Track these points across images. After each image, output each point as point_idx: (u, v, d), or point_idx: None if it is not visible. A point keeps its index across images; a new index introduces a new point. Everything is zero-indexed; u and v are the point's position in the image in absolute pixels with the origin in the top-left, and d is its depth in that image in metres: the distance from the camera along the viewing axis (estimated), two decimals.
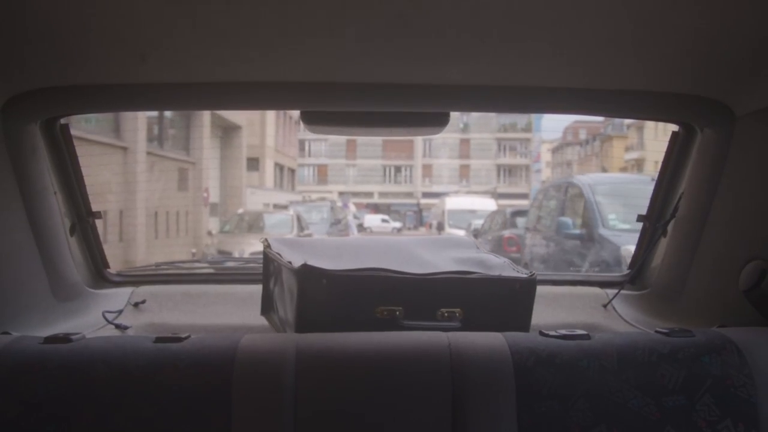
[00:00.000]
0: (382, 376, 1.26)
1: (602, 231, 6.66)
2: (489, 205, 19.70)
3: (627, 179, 10.56)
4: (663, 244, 1.82)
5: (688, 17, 1.17)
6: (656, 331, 1.38)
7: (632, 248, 6.04)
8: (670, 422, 1.24)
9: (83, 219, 1.81)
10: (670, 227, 1.79)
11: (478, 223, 14.26)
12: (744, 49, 1.28)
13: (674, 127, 1.77)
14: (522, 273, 1.59)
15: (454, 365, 1.26)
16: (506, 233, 10.66)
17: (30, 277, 1.56)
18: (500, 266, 1.66)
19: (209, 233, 15.26)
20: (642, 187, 6.84)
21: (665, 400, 1.25)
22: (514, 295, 1.55)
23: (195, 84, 1.48)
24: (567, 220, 7.46)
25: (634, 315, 1.82)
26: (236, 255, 11.24)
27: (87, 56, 1.33)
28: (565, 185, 8.22)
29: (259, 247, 1.80)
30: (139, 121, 12.66)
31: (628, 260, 5.84)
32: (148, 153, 13.25)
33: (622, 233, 6.42)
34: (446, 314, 1.51)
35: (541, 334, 1.36)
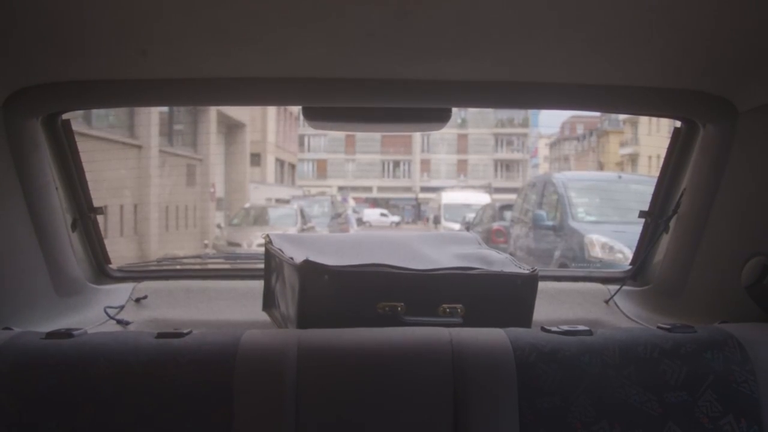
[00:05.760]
0: (384, 372, 1.26)
1: (571, 223, 7.45)
2: (483, 199, 19.93)
3: (596, 177, 11.74)
4: (665, 240, 1.82)
5: (690, 13, 1.16)
6: (658, 327, 1.38)
7: (594, 237, 6.33)
8: (671, 418, 1.24)
9: (85, 214, 1.81)
10: (672, 223, 1.79)
11: (471, 216, 14.80)
12: (746, 45, 1.27)
13: (676, 123, 1.76)
14: (524, 269, 1.59)
15: (456, 361, 1.26)
16: (495, 225, 11.26)
17: (32, 273, 1.56)
18: (502, 262, 1.66)
19: (218, 226, 15.74)
20: (607, 185, 8.06)
21: (667, 395, 1.26)
22: (515, 291, 1.56)
23: (196, 79, 1.48)
24: (542, 213, 8.17)
25: (635, 311, 1.82)
26: (245, 245, 12.17)
27: (88, 52, 1.33)
28: (544, 182, 8.96)
29: None
30: (152, 120, 12.83)
31: (590, 247, 6.14)
32: (160, 150, 13.44)
33: (588, 225, 7.35)
34: (448, 310, 1.51)
35: (543, 329, 1.36)
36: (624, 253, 6.25)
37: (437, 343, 1.29)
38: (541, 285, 1.63)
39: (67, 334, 1.30)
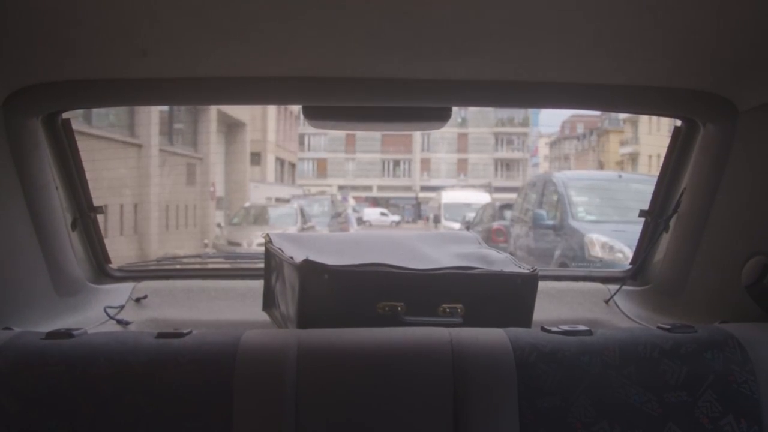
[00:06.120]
0: (384, 372, 1.26)
1: (571, 222, 7.46)
2: (483, 198, 19.97)
3: (596, 176, 11.80)
4: (665, 239, 1.82)
5: (691, 12, 1.16)
6: (658, 327, 1.38)
7: (594, 236, 6.26)
8: (671, 418, 1.24)
9: (85, 214, 1.81)
10: (672, 222, 1.79)
11: (471, 215, 14.87)
12: (747, 45, 1.27)
13: (677, 122, 1.76)
14: (524, 269, 1.59)
15: (456, 361, 1.26)
16: (495, 225, 11.26)
17: (32, 273, 1.56)
18: (502, 261, 1.66)
19: (218, 225, 15.78)
20: (607, 184, 8.06)
21: (667, 395, 1.26)
22: (515, 291, 1.55)
23: (196, 79, 1.48)
24: (542, 212, 8.17)
25: (636, 311, 1.82)
26: (245, 245, 12.21)
27: (88, 51, 1.33)
28: (544, 181, 8.96)
29: None
30: (152, 119, 12.87)
31: (590, 246, 6.21)
32: (160, 149, 13.48)
33: (588, 224, 7.35)
34: (448, 310, 1.51)
35: (543, 329, 1.36)
36: (624, 253, 6.25)
37: (437, 343, 1.29)
38: (541, 285, 1.63)
39: (67, 334, 1.30)
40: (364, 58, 1.39)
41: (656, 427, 1.24)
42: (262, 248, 1.78)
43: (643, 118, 18.36)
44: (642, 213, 1.91)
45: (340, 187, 36.97)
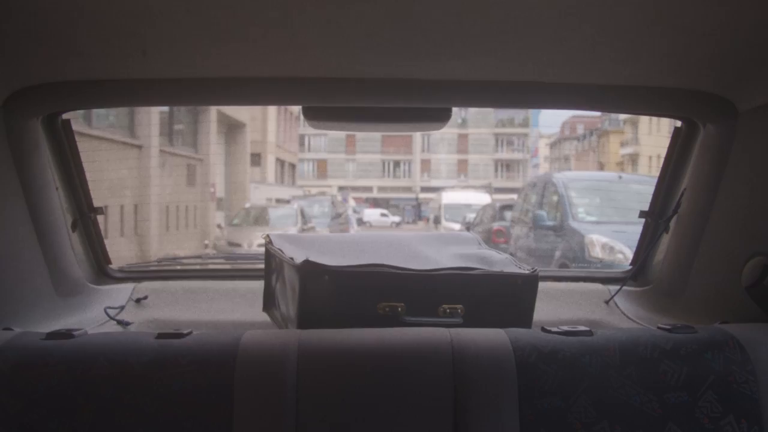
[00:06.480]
0: (384, 373, 1.26)
1: (572, 223, 7.48)
2: (484, 199, 19.95)
3: (597, 177, 11.82)
4: (665, 240, 1.82)
5: (691, 12, 1.16)
6: (658, 328, 1.38)
7: (595, 237, 6.29)
8: (672, 418, 1.24)
9: (85, 215, 1.81)
10: (672, 223, 1.79)
11: (472, 216, 14.85)
12: (747, 45, 1.27)
13: (677, 123, 1.76)
14: (524, 269, 1.59)
15: (456, 361, 1.26)
16: (495, 225, 11.29)
17: (32, 273, 1.56)
18: (502, 262, 1.66)
19: (219, 226, 15.76)
20: (608, 185, 8.01)
21: (667, 396, 1.26)
22: (516, 292, 1.55)
23: (196, 79, 1.48)
24: (542, 213, 8.20)
25: (636, 311, 1.82)
26: (245, 246, 12.20)
27: (88, 51, 1.33)
28: (544, 182, 8.98)
29: None
30: (152, 119, 12.86)
31: (590, 247, 6.24)
32: (160, 150, 13.47)
33: (588, 225, 7.39)
34: (448, 310, 1.51)
35: (543, 330, 1.36)
36: (624, 254, 6.26)
37: (437, 344, 1.29)
38: (542, 285, 1.63)
39: (67, 334, 1.31)
40: (365, 58, 1.39)
41: (656, 428, 1.24)
42: (263, 249, 1.78)
43: (643, 119, 18.36)
44: (642, 214, 1.91)
45: (341, 188, 36.98)
